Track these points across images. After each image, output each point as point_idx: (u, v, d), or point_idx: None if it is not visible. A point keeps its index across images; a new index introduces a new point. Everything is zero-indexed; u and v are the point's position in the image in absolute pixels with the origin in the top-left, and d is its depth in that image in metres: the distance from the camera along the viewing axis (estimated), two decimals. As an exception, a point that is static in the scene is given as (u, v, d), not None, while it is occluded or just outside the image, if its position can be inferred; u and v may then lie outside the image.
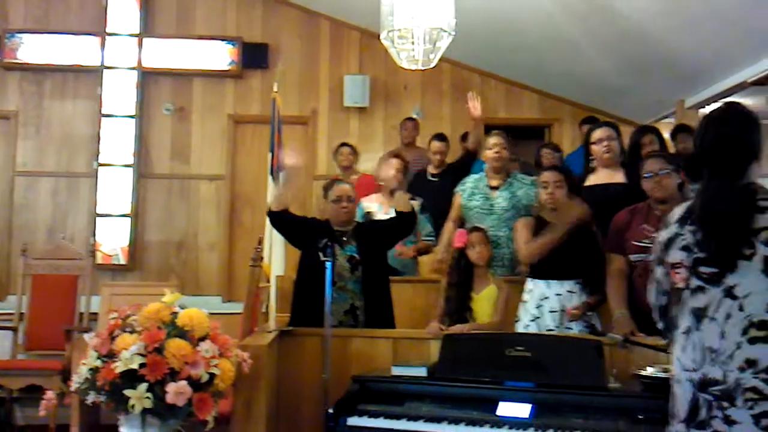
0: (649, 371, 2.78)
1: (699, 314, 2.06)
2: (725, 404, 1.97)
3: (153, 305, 2.75)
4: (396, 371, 3.15)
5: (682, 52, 5.67)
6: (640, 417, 2.54)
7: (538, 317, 3.58)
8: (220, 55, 7.29)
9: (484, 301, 3.68)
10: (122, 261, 7.01)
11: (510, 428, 2.72)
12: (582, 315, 3.51)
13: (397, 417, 2.87)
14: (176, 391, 2.56)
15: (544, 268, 3.63)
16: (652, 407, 2.54)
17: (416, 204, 4.81)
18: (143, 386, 2.56)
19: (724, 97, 6.37)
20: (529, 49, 6.57)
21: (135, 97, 7.19)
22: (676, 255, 2.13)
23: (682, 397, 2.07)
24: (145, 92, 7.25)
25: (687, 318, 2.09)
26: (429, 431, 2.80)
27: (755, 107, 7.18)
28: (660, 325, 2.30)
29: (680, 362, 2.09)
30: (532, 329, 3.56)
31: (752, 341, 1.96)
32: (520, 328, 3.64)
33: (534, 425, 2.72)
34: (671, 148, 5.02)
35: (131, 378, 2.58)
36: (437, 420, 2.83)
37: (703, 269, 2.06)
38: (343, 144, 6.49)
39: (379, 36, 4.80)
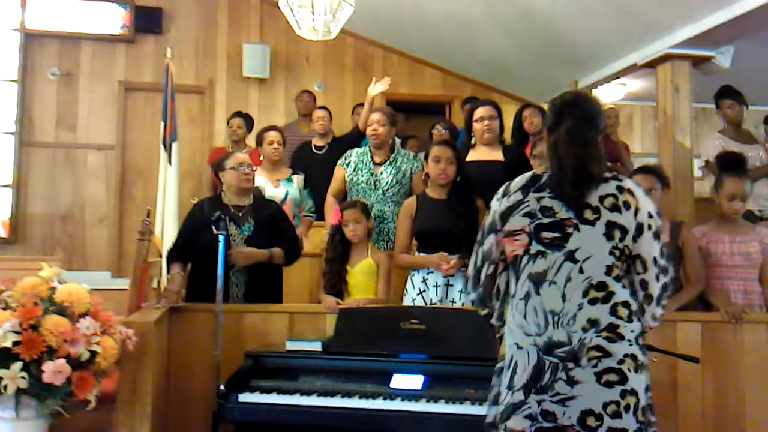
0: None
1: (538, 279, 2.10)
2: (570, 365, 2.02)
3: (29, 280, 2.59)
4: (291, 346, 3.11)
5: (576, 35, 5.85)
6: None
7: (423, 291, 3.61)
8: (110, 18, 6.97)
9: (359, 275, 3.64)
10: (3, 234, 6.68)
11: (402, 400, 2.75)
12: (457, 271, 3.54)
13: (290, 392, 2.84)
14: (54, 370, 2.44)
15: (429, 243, 3.64)
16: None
17: (299, 178, 4.74)
18: (17, 365, 2.43)
19: (616, 78, 6.65)
20: (432, 26, 6.61)
21: (17, 61, 6.81)
22: (517, 222, 2.16)
23: (524, 363, 2.07)
24: (29, 55, 6.84)
25: (524, 284, 2.13)
26: (322, 405, 2.78)
27: (644, 88, 7.53)
28: (474, 296, 2.33)
29: (522, 329, 2.10)
30: (419, 302, 3.59)
31: (592, 302, 2.04)
32: (407, 301, 3.66)
33: (426, 396, 2.76)
34: None
35: (4, 357, 2.43)
36: (331, 394, 2.82)
37: (545, 234, 2.11)
38: (235, 114, 6.19)
39: (278, 4, 4.68)
